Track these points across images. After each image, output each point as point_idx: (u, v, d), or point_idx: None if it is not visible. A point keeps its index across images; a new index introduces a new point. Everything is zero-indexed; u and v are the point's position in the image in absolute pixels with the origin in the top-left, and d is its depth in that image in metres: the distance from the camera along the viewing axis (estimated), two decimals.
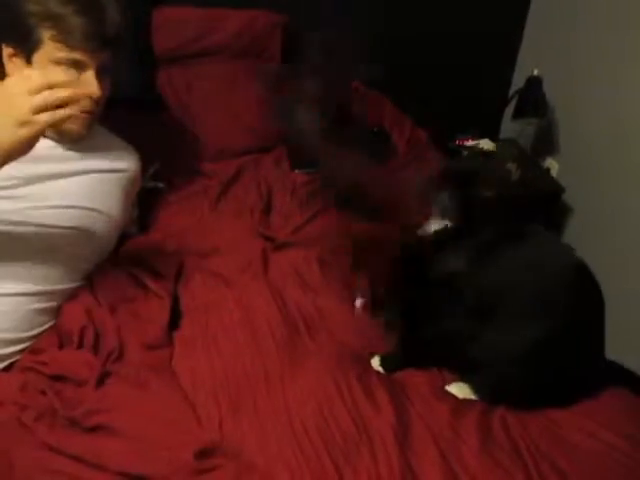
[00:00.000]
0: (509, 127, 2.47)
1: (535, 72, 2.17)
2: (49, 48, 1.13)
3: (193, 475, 0.90)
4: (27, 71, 1.06)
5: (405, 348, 1.17)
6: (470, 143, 2.23)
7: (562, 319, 1.04)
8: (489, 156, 2.16)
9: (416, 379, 1.14)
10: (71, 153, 1.25)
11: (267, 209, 1.57)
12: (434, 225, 1.09)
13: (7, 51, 1.17)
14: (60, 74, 1.10)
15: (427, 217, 1.08)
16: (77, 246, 1.22)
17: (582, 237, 2.20)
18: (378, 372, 1.14)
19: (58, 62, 1.14)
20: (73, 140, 1.24)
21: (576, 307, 1.06)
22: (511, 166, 1.14)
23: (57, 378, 1.06)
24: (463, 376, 1.14)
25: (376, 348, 1.19)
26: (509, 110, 2.30)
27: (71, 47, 1.13)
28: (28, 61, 1.15)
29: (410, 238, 1.09)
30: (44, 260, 1.17)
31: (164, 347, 1.15)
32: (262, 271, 1.34)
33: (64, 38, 1.12)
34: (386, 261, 1.10)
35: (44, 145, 1.22)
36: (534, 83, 2.17)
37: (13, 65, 1.17)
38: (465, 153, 2.20)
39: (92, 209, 1.25)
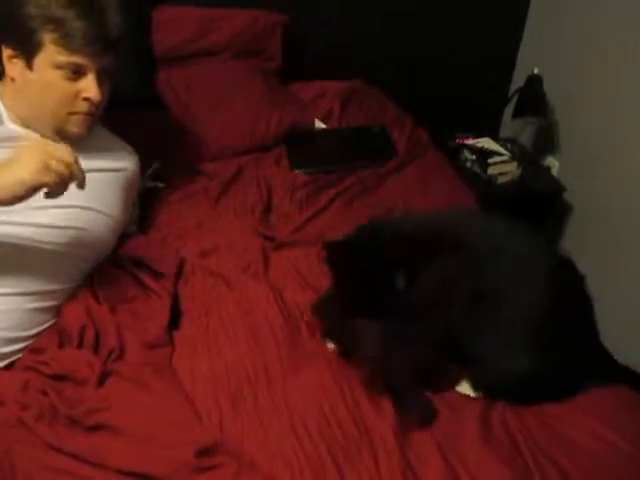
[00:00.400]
0: (509, 126, 2.47)
1: (535, 71, 2.18)
2: (50, 51, 1.13)
3: (194, 473, 0.90)
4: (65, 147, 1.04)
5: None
6: (470, 142, 2.24)
7: (548, 313, 1.05)
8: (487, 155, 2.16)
9: None
10: None
11: (267, 209, 1.57)
12: None
13: (7, 52, 1.17)
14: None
15: None
16: (77, 246, 1.22)
17: (582, 236, 2.20)
18: None
19: (59, 66, 1.14)
20: (73, 141, 1.24)
21: (559, 301, 1.06)
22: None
23: (58, 377, 1.06)
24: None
25: None
26: (509, 109, 2.30)
27: (72, 51, 1.13)
28: (28, 64, 1.15)
29: None
30: (44, 260, 1.17)
31: (164, 346, 1.15)
32: (262, 270, 1.34)
33: (65, 42, 1.13)
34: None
35: None
36: (534, 82, 2.17)
37: (13, 66, 1.17)
38: (466, 151, 2.20)
39: (92, 209, 1.25)
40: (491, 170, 2.14)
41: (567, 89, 2.19)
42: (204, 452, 0.92)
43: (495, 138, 2.30)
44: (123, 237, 1.38)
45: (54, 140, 1.22)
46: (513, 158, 2.18)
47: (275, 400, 1.05)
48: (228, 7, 1.92)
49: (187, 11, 1.91)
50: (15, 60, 1.17)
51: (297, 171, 1.71)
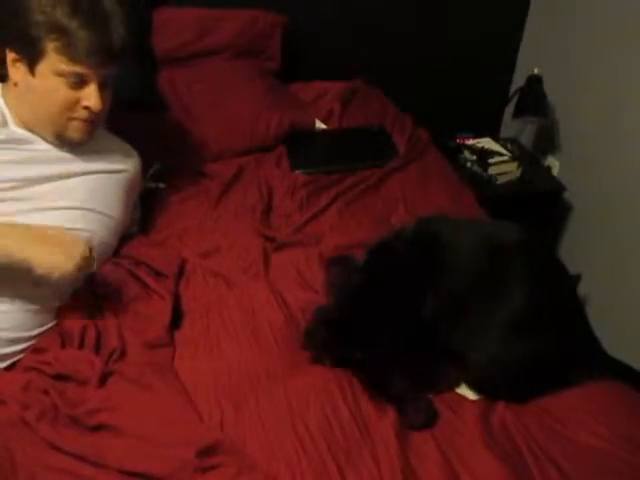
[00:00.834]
0: (510, 126, 2.47)
1: (535, 71, 2.18)
2: (53, 60, 1.13)
3: (195, 473, 0.90)
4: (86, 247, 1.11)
5: None
6: (471, 142, 2.23)
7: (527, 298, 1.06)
8: (487, 155, 2.16)
9: None
10: (71, 155, 1.26)
11: (268, 209, 1.57)
12: None
13: (11, 56, 1.17)
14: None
15: None
16: None
17: (583, 236, 2.20)
18: None
19: (61, 74, 1.14)
20: (73, 146, 1.24)
21: (537, 286, 1.08)
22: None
23: (59, 377, 1.06)
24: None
25: None
26: (510, 109, 2.30)
27: (75, 61, 1.13)
28: (31, 69, 1.15)
29: None
30: None
31: (166, 346, 1.15)
32: (263, 271, 1.34)
33: (68, 51, 1.12)
34: None
35: (44, 147, 1.23)
36: (534, 82, 2.17)
37: (16, 70, 1.17)
38: (466, 151, 2.20)
39: (93, 210, 1.25)
40: (491, 170, 2.14)
41: (567, 89, 2.19)
42: (205, 452, 0.92)
43: (495, 138, 2.30)
44: (124, 238, 1.38)
45: (54, 144, 1.23)
46: (513, 158, 2.18)
47: (276, 400, 1.05)
48: (228, 7, 1.92)
49: (187, 12, 1.91)
50: (18, 64, 1.17)
51: (297, 171, 1.71)
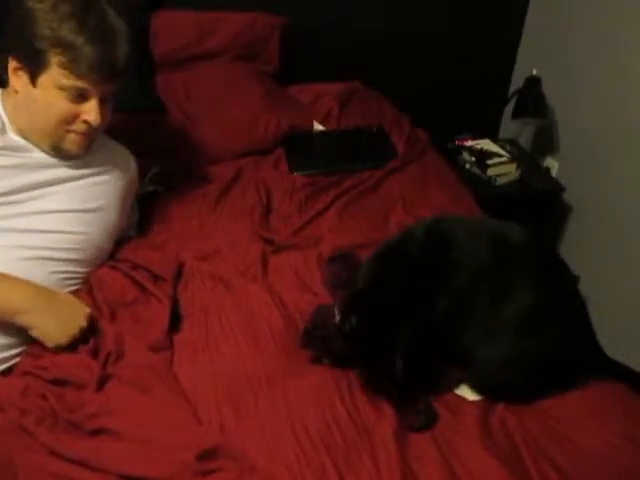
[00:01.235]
0: (509, 127, 2.47)
1: (534, 72, 2.18)
2: (55, 73, 1.13)
3: (195, 477, 0.90)
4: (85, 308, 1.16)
5: None
6: (469, 143, 2.23)
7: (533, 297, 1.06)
8: (486, 156, 2.16)
9: None
10: (66, 160, 1.25)
11: (266, 211, 1.56)
12: None
13: (13, 64, 1.16)
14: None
15: None
16: (74, 250, 1.23)
17: (582, 236, 2.20)
18: None
19: (62, 88, 1.14)
20: (69, 159, 1.25)
21: (542, 289, 1.07)
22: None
23: (57, 382, 1.06)
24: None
25: None
26: (508, 110, 2.30)
27: (77, 76, 1.13)
28: (33, 80, 1.15)
29: None
30: (42, 265, 1.17)
31: (165, 350, 1.15)
32: (262, 273, 1.34)
33: (71, 66, 1.12)
34: None
35: (40, 156, 1.22)
36: (533, 83, 2.18)
37: (18, 78, 1.17)
38: (465, 153, 2.20)
39: (88, 213, 1.25)
40: (490, 171, 2.14)
41: (566, 90, 2.20)
42: (205, 456, 0.92)
43: (494, 139, 2.29)
44: (122, 241, 1.38)
45: (50, 154, 1.23)
46: (512, 159, 2.18)
47: (275, 403, 1.05)
48: (225, 10, 1.92)
49: (185, 15, 1.91)
50: (20, 73, 1.16)
51: (296, 173, 1.71)
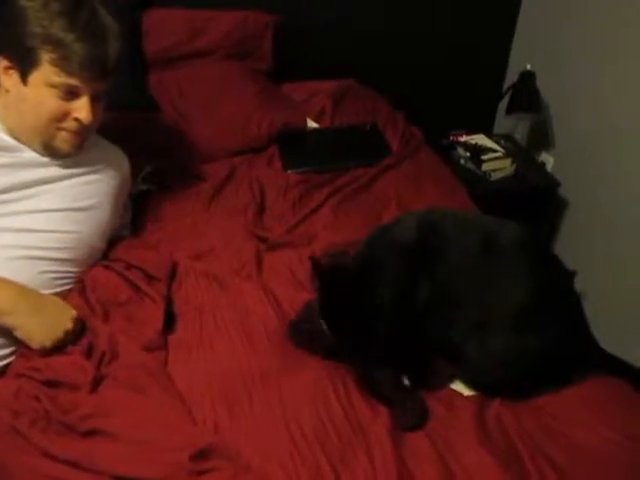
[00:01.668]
0: (503, 123, 2.47)
1: (528, 67, 2.18)
2: (46, 71, 1.13)
3: (189, 477, 0.89)
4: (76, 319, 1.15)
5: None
6: (464, 138, 2.23)
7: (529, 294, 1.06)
8: (481, 152, 2.16)
9: None
10: (57, 159, 1.25)
11: (260, 209, 1.56)
12: None
13: (4, 63, 1.16)
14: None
15: None
16: (66, 250, 1.22)
17: (577, 231, 2.20)
18: None
19: (53, 85, 1.14)
20: (61, 157, 1.24)
21: (537, 284, 1.07)
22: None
23: (51, 383, 1.05)
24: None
25: None
26: (503, 105, 2.30)
27: (68, 73, 1.13)
28: (23, 79, 1.15)
29: None
30: (32, 265, 1.17)
31: (159, 350, 1.14)
32: (256, 272, 1.34)
33: (62, 64, 1.12)
34: None
35: (30, 155, 1.22)
36: (527, 78, 2.17)
37: (8, 77, 1.17)
38: (459, 148, 2.20)
39: (79, 212, 1.25)
40: (485, 166, 2.13)
41: (560, 85, 2.19)
42: (199, 455, 0.91)
43: (489, 134, 2.29)
44: (115, 241, 1.37)
45: (42, 154, 1.22)
46: (507, 154, 2.17)
47: (270, 402, 1.05)
48: (218, 8, 1.92)
49: (177, 13, 1.90)
50: (11, 72, 1.16)
51: (290, 171, 1.71)
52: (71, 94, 1.16)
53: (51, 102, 1.15)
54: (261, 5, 1.97)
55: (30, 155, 1.22)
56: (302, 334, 1.15)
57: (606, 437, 1.01)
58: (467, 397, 1.09)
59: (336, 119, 1.96)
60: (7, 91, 1.18)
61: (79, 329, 1.14)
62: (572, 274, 1.14)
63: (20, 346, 1.12)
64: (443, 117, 2.26)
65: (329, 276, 1.08)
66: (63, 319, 1.12)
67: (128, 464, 0.91)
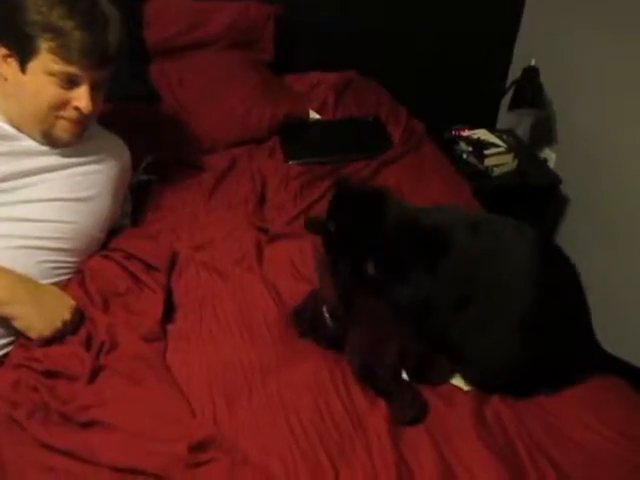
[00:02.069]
0: (506, 118, 2.46)
1: (532, 62, 2.17)
2: (45, 59, 1.12)
3: (188, 468, 0.89)
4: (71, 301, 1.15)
5: None
6: (466, 133, 2.22)
7: (535, 299, 1.04)
8: (483, 147, 2.15)
9: None
10: (57, 148, 1.24)
11: (261, 201, 1.55)
12: None
13: (3, 51, 1.15)
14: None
15: None
16: (64, 240, 1.21)
17: (579, 228, 2.19)
18: None
19: (52, 73, 1.13)
20: (61, 147, 1.23)
21: (546, 284, 1.06)
22: None
23: (49, 374, 1.05)
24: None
25: None
26: (506, 101, 2.29)
27: (67, 61, 1.12)
28: (22, 67, 1.14)
29: None
30: (29, 254, 1.16)
31: (158, 341, 1.14)
32: (256, 263, 1.33)
33: (61, 52, 1.11)
34: None
35: (29, 143, 1.21)
36: (531, 73, 2.16)
37: (7, 66, 1.16)
38: (462, 143, 2.19)
39: (78, 202, 1.24)
40: (487, 162, 2.13)
41: (564, 81, 2.18)
42: (198, 447, 0.91)
43: (492, 130, 2.28)
44: (115, 231, 1.37)
45: (41, 142, 1.21)
46: (509, 150, 2.16)
47: (269, 394, 1.04)
48: None
49: (178, 3, 1.89)
50: (10, 60, 1.15)
51: (291, 162, 1.70)
52: (71, 82, 1.15)
53: (50, 90, 1.15)
54: None
55: (29, 144, 1.21)
56: (305, 322, 1.14)
57: (607, 437, 1.00)
58: (466, 392, 1.08)
59: (338, 111, 1.95)
60: (6, 79, 1.17)
61: (78, 319, 1.13)
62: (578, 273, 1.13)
63: (19, 336, 1.11)
64: (446, 111, 2.25)
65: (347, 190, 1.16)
66: (62, 309, 1.11)
67: (126, 455, 0.91)
